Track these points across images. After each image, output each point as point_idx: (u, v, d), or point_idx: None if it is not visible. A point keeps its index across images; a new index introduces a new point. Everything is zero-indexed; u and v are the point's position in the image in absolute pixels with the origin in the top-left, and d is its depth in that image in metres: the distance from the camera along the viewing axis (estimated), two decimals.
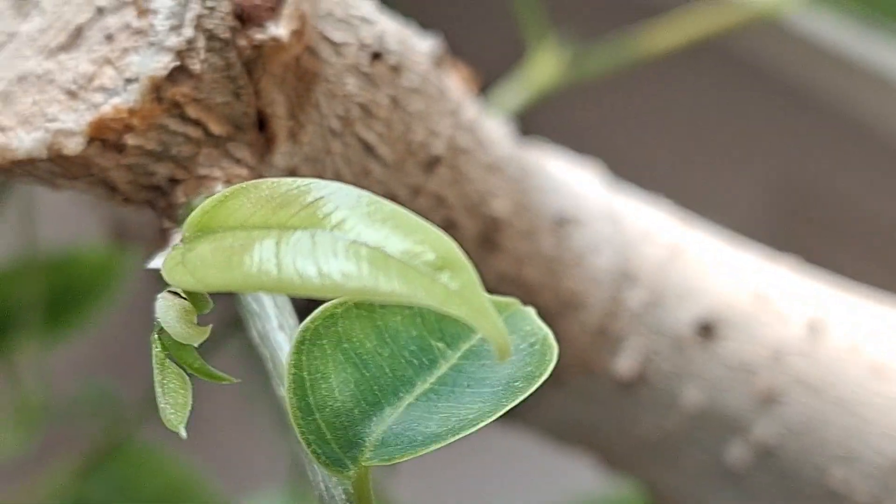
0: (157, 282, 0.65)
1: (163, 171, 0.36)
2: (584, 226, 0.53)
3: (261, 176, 0.37)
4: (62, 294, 0.76)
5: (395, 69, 0.40)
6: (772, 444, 0.55)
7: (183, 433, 0.29)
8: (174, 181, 0.36)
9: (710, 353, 0.55)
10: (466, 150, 0.44)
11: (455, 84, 0.45)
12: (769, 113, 1.17)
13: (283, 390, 0.34)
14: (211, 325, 0.30)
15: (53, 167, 0.35)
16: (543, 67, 0.72)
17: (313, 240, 0.28)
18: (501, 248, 0.48)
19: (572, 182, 0.54)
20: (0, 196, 0.76)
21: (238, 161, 0.36)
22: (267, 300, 0.35)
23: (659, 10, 1.08)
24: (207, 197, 0.36)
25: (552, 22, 0.73)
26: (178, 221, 0.36)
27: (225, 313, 0.56)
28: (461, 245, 0.28)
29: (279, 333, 0.35)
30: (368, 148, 0.40)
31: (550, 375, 0.33)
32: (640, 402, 0.55)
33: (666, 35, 0.75)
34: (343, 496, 0.33)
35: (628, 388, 0.54)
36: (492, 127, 0.47)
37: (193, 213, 0.30)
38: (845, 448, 0.55)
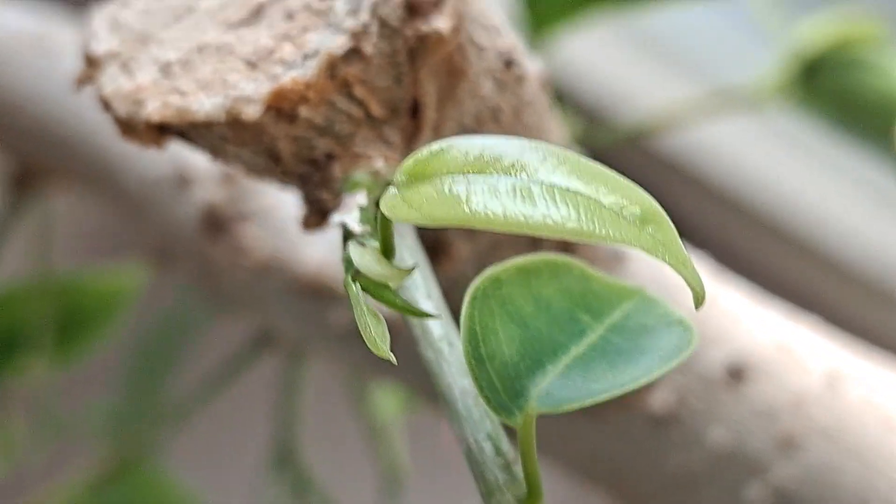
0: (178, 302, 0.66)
1: (323, 146, 0.39)
2: (633, 263, 0.56)
3: None
4: (73, 315, 0.77)
5: (520, 80, 0.43)
6: (789, 488, 0.58)
7: (393, 359, 0.32)
8: (330, 157, 0.39)
9: (738, 395, 0.58)
10: None
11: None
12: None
13: (432, 352, 0.37)
14: (415, 265, 0.33)
15: (227, 132, 0.38)
16: None
17: (530, 188, 0.30)
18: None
19: None
20: (17, 217, 0.78)
21: (389, 144, 0.39)
22: (416, 272, 0.37)
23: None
24: (361, 173, 0.38)
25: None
26: (336, 193, 0.38)
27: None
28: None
29: (427, 302, 0.37)
30: None
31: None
32: (670, 440, 0.58)
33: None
34: (492, 450, 0.35)
35: (661, 424, 0.57)
36: None
37: (407, 162, 0.32)
38: (857, 496, 0.58)
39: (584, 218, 0.30)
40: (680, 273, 0.30)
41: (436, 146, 0.33)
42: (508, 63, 0.42)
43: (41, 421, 0.76)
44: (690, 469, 0.58)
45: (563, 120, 0.78)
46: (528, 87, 0.44)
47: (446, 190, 0.31)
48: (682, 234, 0.32)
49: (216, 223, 0.61)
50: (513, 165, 0.31)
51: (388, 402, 0.79)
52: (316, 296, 0.59)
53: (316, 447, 0.76)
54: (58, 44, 0.67)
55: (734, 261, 1.16)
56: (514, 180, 0.31)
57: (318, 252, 0.59)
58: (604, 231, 0.30)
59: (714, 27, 1.23)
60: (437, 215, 0.30)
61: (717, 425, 0.58)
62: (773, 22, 0.81)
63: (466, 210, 0.30)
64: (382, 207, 0.31)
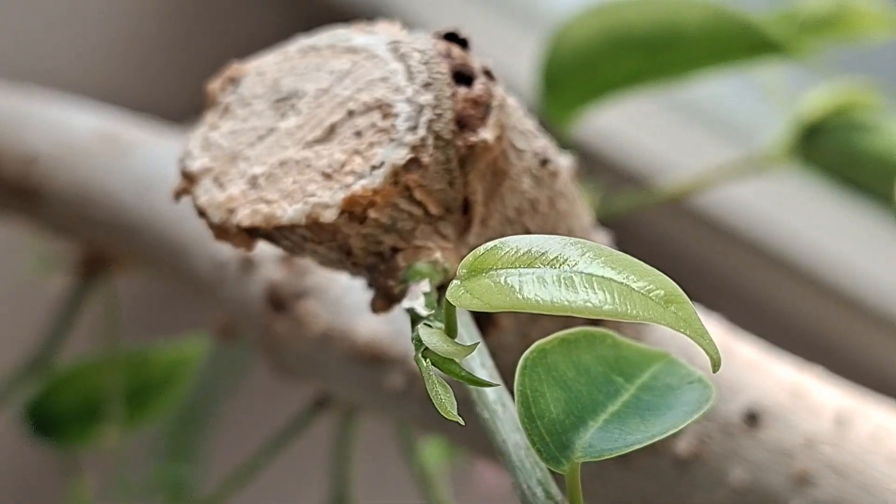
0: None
1: (388, 240, 0.45)
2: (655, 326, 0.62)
3: (459, 251, 0.46)
4: (141, 385, 0.84)
5: (553, 174, 0.50)
6: None
7: (461, 421, 0.38)
8: (395, 250, 0.46)
9: (754, 438, 0.64)
10: None
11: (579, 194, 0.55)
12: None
13: (487, 413, 0.43)
14: (475, 343, 0.40)
15: (307, 232, 0.45)
16: None
17: (572, 277, 0.37)
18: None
19: None
20: (84, 298, 0.85)
21: (444, 237, 0.46)
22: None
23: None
24: (423, 263, 0.45)
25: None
26: (401, 280, 0.45)
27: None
28: None
29: (482, 370, 0.44)
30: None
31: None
32: (694, 480, 0.64)
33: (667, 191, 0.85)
34: (543, 494, 0.42)
35: (685, 466, 0.64)
36: (601, 235, 0.57)
37: (467, 258, 0.39)
38: None
39: (618, 301, 0.36)
40: (699, 344, 0.36)
41: (490, 244, 0.39)
42: (543, 161, 0.49)
43: (110, 484, 0.83)
44: None
45: (595, 187, 0.85)
46: (560, 180, 0.51)
47: (502, 281, 0.38)
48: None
49: (278, 300, 0.68)
50: (556, 259, 0.38)
51: (432, 452, 0.85)
52: (370, 362, 0.66)
53: (368, 499, 0.82)
54: (128, 142, 0.74)
55: (752, 302, 1.22)
56: (557, 272, 0.37)
57: (371, 322, 0.66)
58: (635, 311, 0.36)
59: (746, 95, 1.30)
60: (495, 303, 0.37)
61: (737, 466, 0.64)
62: (783, 94, 0.87)
63: (520, 297, 0.37)
64: (448, 297, 0.38)
